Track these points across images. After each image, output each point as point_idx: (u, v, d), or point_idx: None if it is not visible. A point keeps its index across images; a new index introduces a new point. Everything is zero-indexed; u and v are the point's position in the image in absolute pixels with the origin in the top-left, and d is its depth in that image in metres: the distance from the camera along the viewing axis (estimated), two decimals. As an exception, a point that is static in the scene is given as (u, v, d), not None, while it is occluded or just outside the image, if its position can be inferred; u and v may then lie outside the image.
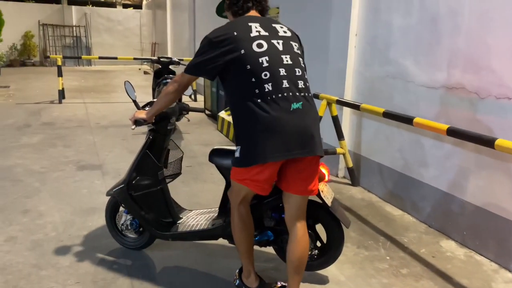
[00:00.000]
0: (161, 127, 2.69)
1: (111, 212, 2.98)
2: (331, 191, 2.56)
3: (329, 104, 4.22)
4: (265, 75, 2.03)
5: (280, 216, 2.50)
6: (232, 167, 2.20)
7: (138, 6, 21.02)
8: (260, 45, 2.07)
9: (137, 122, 2.54)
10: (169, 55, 14.41)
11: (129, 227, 2.92)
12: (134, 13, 20.41)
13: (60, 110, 8.03)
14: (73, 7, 19.03)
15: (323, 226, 2.56)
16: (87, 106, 8.65)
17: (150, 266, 2.83)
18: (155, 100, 2.63)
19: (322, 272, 2.78)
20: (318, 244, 2.64)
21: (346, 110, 4.54)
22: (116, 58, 10.24)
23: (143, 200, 2.76)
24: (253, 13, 2.27)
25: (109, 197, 2.93)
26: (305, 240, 2.23)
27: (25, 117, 7.34)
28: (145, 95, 10.62)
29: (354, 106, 3.89)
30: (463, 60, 3.15)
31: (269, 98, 2.01)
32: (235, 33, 2.07)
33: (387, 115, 3.38)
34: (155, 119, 2.59)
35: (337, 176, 4.75)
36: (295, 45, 2.20)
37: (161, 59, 7.12)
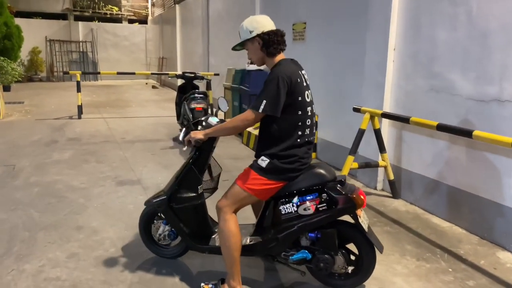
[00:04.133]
0: (207, 145, 2.76)
1: (146, 222, 3.04)
2: (367, 217, 2.69)
3: (371, 117, 4.27)
4: (308, 121, 2.52)
5: (316, 237, 2.60)
6: (251, 175, 2.49)
7: (143, 21, 21.18)
8: (307, 96, 2.53)
9: (196, 143, 2.64)
10: (179, 70, 14.53)
11: (167, 238, 3.00)
12: (139, 28, 20.59)
13: (81, 126, 8.05)
14: (80, 23, 19.20)
15: (357, 249, 2.65)
16: (107, 121, 8.67)
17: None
18: (204, 118, 2.88)
19: (390, 286, 2.80)
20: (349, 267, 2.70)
21: (385, 123, 4.60)
22: (134, 73, 10.29)
23: (183, 212, 2.83)
24: (282, 54, 2.61)
25: (145, 207, 3.00)
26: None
27: (49, 133, 7.35)
28: (157, 109, 10.73)
29: (403, 120, 3.94)
30: (516, 74, 3.22)
31: (306, 140, 2.52)
32: (298, 80, 2.45)
33: (442, 128, 3.42)
34: (200, 146, 2.71)
35: (375, 188, 4.79)
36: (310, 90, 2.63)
37: (186, 74, 7.18)
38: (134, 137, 7.25)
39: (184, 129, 2.87)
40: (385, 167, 4.44)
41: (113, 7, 20.59)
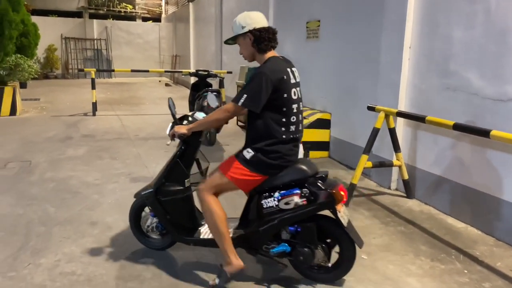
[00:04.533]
0: (193, 140, 2.83)
1: (136, 214, 3.14)
2: (348, 213, 2.72)
3: (386, 116, 4.23)
4: (293, 118, 2.57)
5: (296, 230, 2.67)
6: (234, 164, 2.58)
7: (157, 19, 21.30)
8: (294, 93, 2.57)
9: (179, 137, 2.72)
10: (192, 68, 14.59)
11: (155, 229, 3.07)
12: (153, 26, 20.72)
13: (96, 123, 8.14)
14: (95, 21, 19.40)
15: (337, 243, 2.70)
16: (120, 118, 8.75)
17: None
18: (190, 114, 2.96)
19: (404, 287, 2.78)
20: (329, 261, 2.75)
21: (400, 122, 4.55)
22: (147, 71, 10.36)
23: (170, 205, 2.90)
24: (273, 51, 2.65)
25: (134, 199, 3.09)
26: None
27: (64, 129, 7.44)
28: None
29: (418, 119, 3.90)
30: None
31: (291, 136, 2.57)
32: (284, 77, 2.50)
33: (458, 127, 3.37)
34: (191, 136, 2.76)
35: (389, 188, 4.74)
36: (300, 88, 2.68)
37: (199, 72, 7.20)
38: (147, 134, 7.31)
39: (170, 123, 2.89)
40: (400, 167, 4.40)
41: (127, 5, 20.76)
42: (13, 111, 8.49)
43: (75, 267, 2.91)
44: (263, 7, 8.18)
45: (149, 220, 3.07)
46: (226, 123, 2.85)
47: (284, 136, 2.54)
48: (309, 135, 5.85)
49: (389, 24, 4.59)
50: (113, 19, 20.13)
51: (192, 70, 7.40)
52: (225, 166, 2.63)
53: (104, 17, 20.04)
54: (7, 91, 8.38)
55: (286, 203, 2.57)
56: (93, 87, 9.07)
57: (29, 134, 6.96)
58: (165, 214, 2.90)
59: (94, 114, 8.90)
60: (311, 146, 5.88)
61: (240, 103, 2.46)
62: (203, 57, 13.63)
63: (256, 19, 2.60)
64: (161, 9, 21.24)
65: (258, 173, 2.57)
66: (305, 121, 5.97)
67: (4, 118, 8.26)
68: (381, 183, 4.86)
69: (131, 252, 3.15)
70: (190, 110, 7.35)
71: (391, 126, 4.28)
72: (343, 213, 2.61)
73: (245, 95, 2.45)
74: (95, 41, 19.22)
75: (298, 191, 2.56)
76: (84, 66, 18.34)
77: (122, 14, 20.62)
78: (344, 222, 2.57)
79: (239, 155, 2.62)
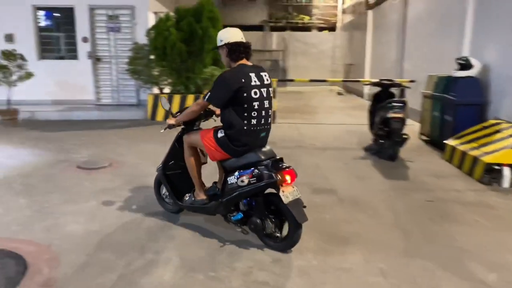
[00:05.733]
0: (188, 127, 3.70)
1: (158, 184, 4.07)
2: (296, 193, 3.22)
3: None
4: (254, 113, 3.24)
5: (250, 203, 3.37)
6: (209, 134, 3.39)
7: (332, 29, 21.47)
8: (255, 93, 3.22)
9: (169, 126, 3.62)
10: (367, 77, 14.15)
11: (168, 196, 3.97)
12: (328, 36, 20.95)
13: (275, 130, 8.39)
14: (274, 33, 20.63)
15: (285, 217, 3.23)
16: (297, 126, 8.96)
17: None
18: (184, 109, 3.67)
19: None
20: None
21: None
22: (325, 80, 10.46)
23: (171, 177, 3.87)
24: (245, 60, 3.34)
25: (156, 173, 4.01)
26: None
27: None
28: (344, 116, 10.59)
29: None
30: None
31: (252, 128, 3.26)
32: (243, 80, 3.18)
33: None
34: (185, 122, 3.64)
35: None
36: (271, 90, 3.37)
37: (382, 82, 6.82)
38: (324, 144, 7.26)
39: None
40: None
41: (304, 16, 21.48)
42: (205, 116, 9.52)
43: (267, 277, 2.95)
44: (457, 10, 7.32)
45: (164, 189, 4.00)
46: (205, 117, 3.73)
47: (245, 128, 3.25)
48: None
49: None
50: (291, 31, 21.08)
51: (369, 78, 7.06)
52: (205, 133, 3.47)
53: (282, 29, 21.15)
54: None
55: (242, 181, 3.26)
56: (274, 96, 9.51)
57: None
58: (167, 184, 3.85)
59: (273, 122, 9.31)
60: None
61: (205, 99, 3.31)
62: (381, 65, 13.06)
63: (231, 35, 3.33)
64: (337, 18, 21.31)
65: (222, 150, 3.35)
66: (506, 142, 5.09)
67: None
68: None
69: (318, 266, 3.04)
70: (370, 121, 7.03)
71: None
72: (287, 192, 3.14)
73: (209, 93, 3.29)
74: (273, 52, 20.42)
75: (250, 172, 3.22)
76: (262, 75, 19.65)
77: (300, 25, 21.42)
78: (286, 200, 3.09)
79: (215, 130, 3.41)
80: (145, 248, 3.35)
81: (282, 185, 3.13)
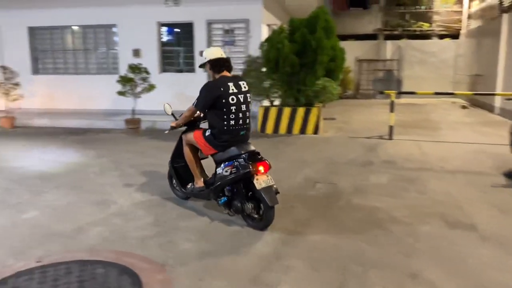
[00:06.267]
0: (190, 128, 4.49)
1: (170, 174, 4.85)
2: (270, 181, 3.89)
3: None
4: (232, 115, 4.06)
5: (233, 190, 4.09)
6: (200, 133, 4.28)
7: (455, 36, 19.57)
8: (233, 99, 4.04)
9: (171, 128, 4.44)
10: (499, 89, 12.45)
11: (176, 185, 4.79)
12: (449, 44, 19.13)
13: (394, 147, 7.77)
14: (388, 42, 19.50)
15: (260, 201, 3.86)
16: (418, 144, 8.08)
17: None
18: (180, 115, 4.44)
19: None
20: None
21: None
22: (452, 93, 9.40)
23: (178, 169, 4.69)
24: (225, 72, 4.19)
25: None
26: None
27: (363, 152, 7.39)
28: (473, 134, 9.32)
29: None
30: None
31: (231, 128, 4.09)
32: (222, 89, 4.01)
33: None
34: (186, 124, 4.45)
35: None
36: (249, 96, 4.20)
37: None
38: (453, 166, 6.36)
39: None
40: None
41: (423, 23, 19.95)
42: (316, 130, 9.16)
43: None
44: None
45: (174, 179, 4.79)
46: (195, 119, 4.50)
47: (225, 127, 4.02)
48: None
49: None
50: (407, 39, 19.72)
51: (504, 91, 6.00)
52: (197, 132, 4.29)
53: (398, 37, 19.88)
54: (314, 112, 9.11)
55: (226, 171, 4.00)
56: (392, 110, 8.78)
57: (332, 155, 7.21)
58: (175, 174, 4.70)
59: (390, 138, 8.57)
60: None
61: (193, 105, 4.16)
62: (518, 76, 11.35)
63: (212, 53, 4.16)
64: (461, 24, 19.36)
65: (209, 145, 4.15)
66: None
67: (309, 137, 8.99)
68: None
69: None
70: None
71: None
72: (261, 180, 3.82)
73: (196, 101, 4.12)
74: (387, 62, 19.27)
75: (232, 164, 3.98)
76: (374, 86, 18.65)
77: (417, 33, 19.95)
78: (259, 186, 3.78)
79: (204, 131, 4.23)
80: (258, 279, 3.08)
81: (257, 174, 3.82)
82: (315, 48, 8.68)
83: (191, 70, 11.01)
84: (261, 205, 3.83)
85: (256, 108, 9.73)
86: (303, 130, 9.18)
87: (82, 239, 3.80)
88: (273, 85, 9.26)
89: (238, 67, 10.39)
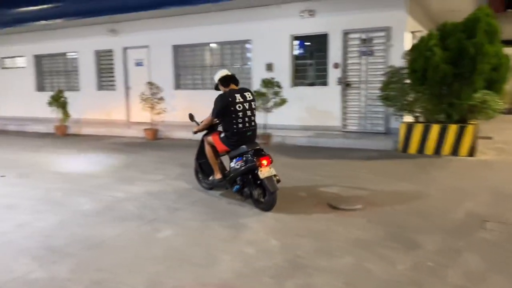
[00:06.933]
0: (209, 132, 5.59)
1: (196, 170, 5.93)
2: (272, 172, 4.73)
3: None
4: (240, 120, 5.04)
5: (243, 180, 5.02)
6: (217, 135, 5.37)
7: None
8: (239, 107, 5.02)
9: (195, 132, 5.73)
10: None
11: (201, 178, 5.91)
12: None
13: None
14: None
15: (264, 187, 4.73)
16: None
17: None
18: (201, 122, 5.61)
19: None
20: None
21: None
22: None
23: (202, 165, 5.80)
24: (233, 85, 5.23)
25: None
26: None
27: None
28: None
29: None
30: None
31: (240, 130, 5.07)
32: (230, 99, 5.01)
33: None
34: (207, 128, 5.58)
35: None
36: (253, 103, 5.20)
37: None
38: None
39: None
40: None
41: None
42: (471, 152, 7.76)
43: None
44: None
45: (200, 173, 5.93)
46: (213, 125, 5.56)
47: (235, 130, 5.05)
48: None
49: None
50: None
51: None
52: (215, 135, 5.37)
53: None
54: (469, 130, 7.74)
55: (237, 165, 4.99)
56: None
57: (498, 184, 5.89)
58: (200, 169, 5.82)
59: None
60: None
61: (211, 115, 5.28)
62: None
63: (219, 75, 5.29)
64: None
65: (224, 145, 5.22)
66: None
67: (462, 159, 7.65)
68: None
69: None
70: None
71: None
72: (264, 171, 4.68)
73: (213, 110, 5.19)
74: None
75: (241, 159, 4.96)
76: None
77: None
78: (262, 175, 4.66)
79: (220, 133, 5.35)
80: None
81: (261, 166, 4.71)
82: (474, 55, 7.37)
83: (324, 83, 10.46)
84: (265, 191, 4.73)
85: (397, 124, 8.71)
86: (455, 151, 7.86)
87: (214, 270, 3.46)
88: (418, 99, 8.15)
89: (376, 79, 9.53)
